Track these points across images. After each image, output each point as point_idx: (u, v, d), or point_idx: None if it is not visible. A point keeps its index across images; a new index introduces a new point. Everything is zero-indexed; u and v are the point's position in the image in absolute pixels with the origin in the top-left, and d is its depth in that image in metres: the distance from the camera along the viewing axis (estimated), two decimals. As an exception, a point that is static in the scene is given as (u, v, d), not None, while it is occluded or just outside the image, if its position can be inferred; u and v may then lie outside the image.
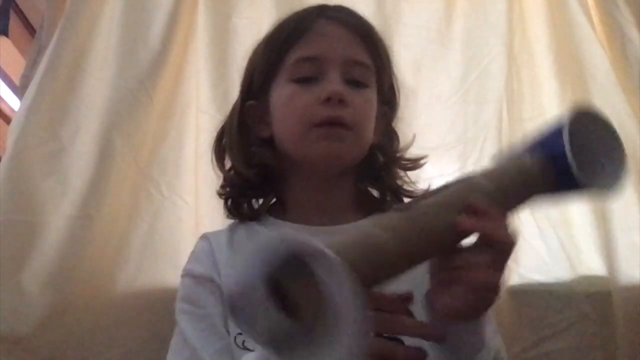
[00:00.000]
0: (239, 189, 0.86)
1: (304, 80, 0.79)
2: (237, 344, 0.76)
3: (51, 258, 1.07)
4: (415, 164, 0.89)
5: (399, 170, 0.88)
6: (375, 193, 0.89)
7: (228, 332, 0.78)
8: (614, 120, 1.19)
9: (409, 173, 0.91)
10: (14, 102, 1.62)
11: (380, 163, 0.87)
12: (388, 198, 0.87)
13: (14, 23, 1.37)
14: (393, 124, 0.91)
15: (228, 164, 0.89)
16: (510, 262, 1.15)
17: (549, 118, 1.24)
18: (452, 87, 1.28)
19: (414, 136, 0.92)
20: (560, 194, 0.66)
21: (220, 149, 0.89)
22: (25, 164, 1.11)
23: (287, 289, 0.49)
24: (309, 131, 0.78)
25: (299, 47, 0.81)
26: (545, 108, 1.27)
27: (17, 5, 1.42)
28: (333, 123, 0.77)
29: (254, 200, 0.88)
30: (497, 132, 1.23)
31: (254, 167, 0.83)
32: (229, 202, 0.88)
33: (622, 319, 1.13)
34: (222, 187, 0.88)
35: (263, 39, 0.87)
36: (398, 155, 0.89)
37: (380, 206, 0.87)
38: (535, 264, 1.17)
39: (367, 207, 0.86)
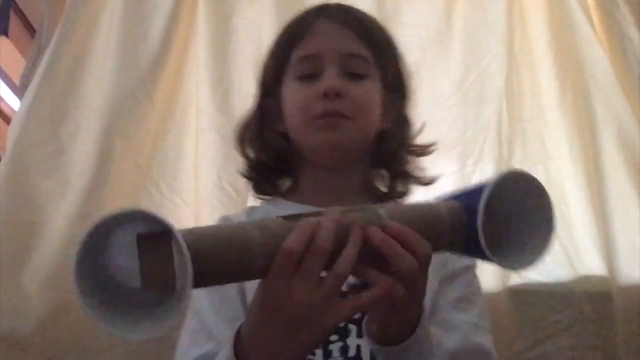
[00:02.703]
0: (259, 172, 0.90)
1: (306, 77, 0.83)
2: None
3: (51, 258, 1.07)
4: (424, 150, 0.90)
5: (409, 157, 0.90)
6: (386, 178, 0.90)
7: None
8: (614, 120, 1.22)
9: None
10: (14, 102, 1.62)
11: (390, 149, 0.88)
12: (398, 184, 0.89)
13: (14, 23, 1.37)
14: (407, 110, 0.92)
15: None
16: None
17: (548, 118, 1.27)
18: (452, 87, 1.29)
19: (424, 123, 0.92)
20: (469, 253, 0.63)
21: (242, 138, 0.92)
22: (25, 164, 1.11)
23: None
24: (310, 122, 0.82)
25: (300, 47, 0.85)
26: (545, 108, 1.27)
27: (17, 5, 1.42)
28: (331, 114, 0.81)
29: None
30: (497, 132, 1.23)
31: (269, 151, 0.88)
32: (253, 184, 0.92)
33: (622, 319, 1.14)
34: (247, 172, 0.92)
35: (273, 40, 0.91)
36: (407, 141, 0.90)
37: (390, 191, 0.89)
38: (535, 264, 1.17)
39: (377, 192, 0.88)
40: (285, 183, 0.91)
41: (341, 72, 0.82)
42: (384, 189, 0.89)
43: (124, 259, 0.53)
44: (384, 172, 0.89)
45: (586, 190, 1.20)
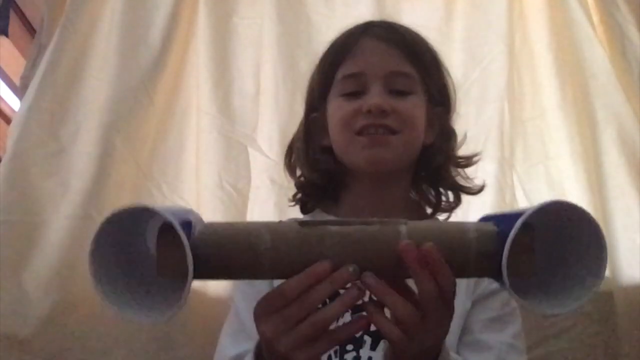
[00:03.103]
0: (306, 192, 0.91)
1: (350, 95, 0.84)
2: None
3: (52, 258, 1.07)
4: (469, 161, 0.92)
5: (455, 169, 0.91)
6: (431, 193, 0.91)
7: None
8: (614, 120, 1.22)
9: None
10: (14, 102, 1.62)
11: (437, 163, 0.89)
12: (443, 198, 0.90)
13: (14, 23, 1.37)
14: (450, 123, 0.93)
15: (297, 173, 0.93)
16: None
17: (549, 117, 1.27)
18: (452, 87, 1.29)
19: (465, 135, 0.94)
20: (501, 283, 0.56)
21: (291, 160, 0.93)
22: (25, 164, 1.11)
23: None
24: (353, 140, 0.83)
25: (345, 65, 0.86)
26: (546, 108, 1.27)
27: (17, 5, 1.42)
28: (376, 131, 0.81)
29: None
30: (499, 132, 1.24)
31: (318, 172, 0.88)
32: (301, 205, 0.93)
33: (624, 319, 1.14)
34: (294, 195, 0.93)
35: (320, 57, 0.92)
36: (453, 153, 0.91)
37: (437, 205, 0.89)
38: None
39: (421, 207, 0.89)
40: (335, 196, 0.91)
41: (385, 90, 0.83)
42: (430, 204, 0.90)
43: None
44: (426, 187, 0.90)
45: (587, 190, 1.21)
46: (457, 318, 0.76)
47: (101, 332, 1.07)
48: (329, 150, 0.88)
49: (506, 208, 1.20)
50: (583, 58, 1.27)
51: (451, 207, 0.90)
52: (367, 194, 0.86)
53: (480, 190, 0.91)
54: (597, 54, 1.26)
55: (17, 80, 1.28)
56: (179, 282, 0.53)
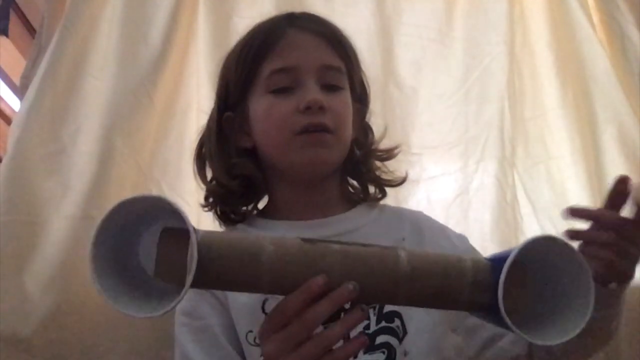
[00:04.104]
0: (223, 199, 0.88)
1: (281, 91, 0.81)
2: (248, 341, 0.78)
3: (52, 258, 1.07)
4: (389, 154, 0.92)
5: (376, 162, 0.91)
6: (357, 186, 0.92)
7: (235, 339, 0.79)
8: (614, 119, 1.22)
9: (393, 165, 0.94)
10: (14, 103, 1.61)
11: (358, 157, 0.89)
12: (370, 190, 0.91)
13: (14, 23, 1.37)
14: (367, 119, 0.94)
15: (209, 174, 0.90)
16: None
17: (550, 117, 1.27)
18: (453, 86, 1.29)
19: (386, 128, 0.94)
20: (491, 317, 0.58)
21: (201, 160, 0.90)
22: (26, 164, 1.11)
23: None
24: (292, 140, 0.80)
25: (273, 59, 0.82)
26: (547, 108, 1.28)
27: (17, 5, 1.42)
28: (315, 130, 0.79)
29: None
30: (499, 131, 1.24)
31: (236, 177, 0.85)
32: (217, 211, 0.90)
33: (624, 320, 1.13)
34: (206, 198, 0.90)
35: (234, 50, 0.88)
36: (373, 147, 0.92)
37: (364, 198, 0.90)
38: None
39: (353, 199, 0.90)
40: (253, 205, 0.90)
41: (319, 84, 0.81)
42: (357, 196, 0.90)
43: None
44: (351, 180, 0.91)
45: (587, 189, 1.21)
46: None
47: (101, 332, 1.07)
48: (248, 152, 0.85)
49: (507, 207, 1.20)
50: (583, 58, 1.27)
51: (377, 199, 0.90)
52: (302, 193, 0.85)
53: (401, 182, 0.92)
54: (597, 54, 1.26)
55: (17, 80, 1.28)
56: (176, 285, 0.53)
